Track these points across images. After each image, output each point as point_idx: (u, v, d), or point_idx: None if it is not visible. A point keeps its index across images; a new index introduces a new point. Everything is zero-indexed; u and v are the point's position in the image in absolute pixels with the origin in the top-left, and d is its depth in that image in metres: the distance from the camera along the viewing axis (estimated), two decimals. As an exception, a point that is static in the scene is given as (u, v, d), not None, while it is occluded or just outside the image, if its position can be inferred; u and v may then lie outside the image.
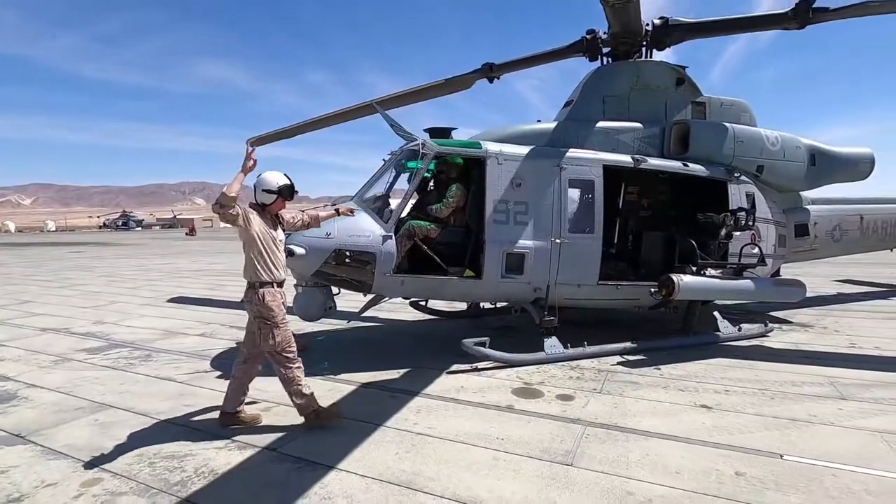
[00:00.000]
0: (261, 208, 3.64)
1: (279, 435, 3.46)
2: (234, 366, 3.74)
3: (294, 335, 5.69)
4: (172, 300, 9.50)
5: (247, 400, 3.77)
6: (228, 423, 3.59)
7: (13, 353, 5.75)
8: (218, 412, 3.67)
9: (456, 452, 3.17)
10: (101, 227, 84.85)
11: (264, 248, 3.51)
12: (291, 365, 3.55)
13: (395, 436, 3.42)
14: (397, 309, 7.50)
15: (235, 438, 3.40)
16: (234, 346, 5.90)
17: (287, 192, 3.68)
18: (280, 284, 3.61)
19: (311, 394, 3.58)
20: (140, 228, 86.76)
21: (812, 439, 3.27)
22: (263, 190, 3.62)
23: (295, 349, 3.63)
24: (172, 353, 5.67)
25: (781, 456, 3.05)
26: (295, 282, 5.29)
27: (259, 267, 3.50)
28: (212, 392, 4.31)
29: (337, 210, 4.50)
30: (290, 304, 4.16)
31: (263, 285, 3.49)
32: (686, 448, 3.17)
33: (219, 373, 4.88)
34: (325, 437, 3.42)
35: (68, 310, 8.61)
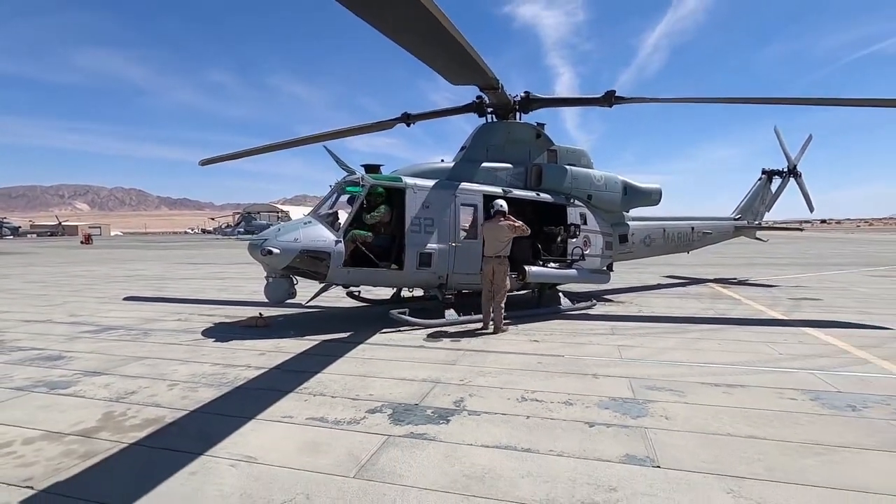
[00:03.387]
0: (497, 217, 7.16)
1: (281, 361, 5.56)
2: (484, 299, 7.15)
3: (260, 315, 7.74)
4: (128, 299, 10.72)
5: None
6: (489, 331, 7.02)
7: (22, 336, 7.07)
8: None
9: (389, 365, 5.48)
10: (-35, 234, 74.88)
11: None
12: (503, 301, 7.05)
13: (352, 361, 5.67)
14: (336, 301, 9.63)
15: (251, 364, 5.44)
16: (213, 325, 7.71)
17: (499, 214, 7.21)
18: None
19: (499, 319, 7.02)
20: (13, 237, 77.72)
21: (582, 348, 6.05)
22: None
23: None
24: (164, 331, 7.34)
25: (563, 356, 5.76)
26: (266, 273, 7.30)
27: (506, 251, 7.11)
28: (215, 350, 6.20)
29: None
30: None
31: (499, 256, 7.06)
32: (517, 356, 5.78)
33: (213, 339, 6.73)
34: (310, 362, 5.57)
35: (31, 308, 9.60)
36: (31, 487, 2.90)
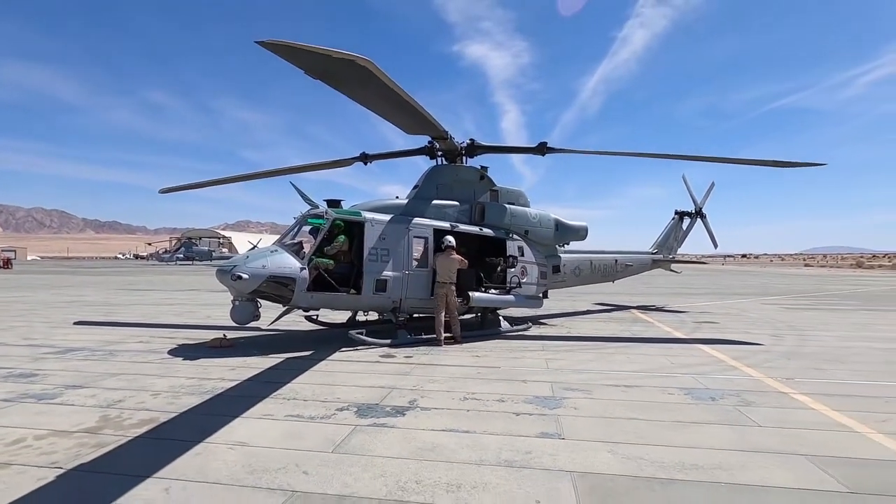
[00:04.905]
0: (448, 251, 8.49)
1: (252, 374, 6.22)
2: (439, 316, 8.45)
3: (225, 336, 8.29)
4: (79, 323, 10.74)
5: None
6: (447, 342, 8.41)
7: (-17, 357, 7.22)
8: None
9: (350, 376, 6.29)
10: None
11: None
12: (456, 316, 8.62)
13: (317, 373, 6.42)
14: (295, 325, 10.25)
15: (224, 377, 6.07)
16: (177, 346, 8.14)
17: (449, 248, 8.59)
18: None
19: (456, 331, 8.57)
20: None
21: (516, 361, 7.12)
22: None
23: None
24: (130, 352, 7.71)
25: (500, 367, 6.80)
26: (232, 297, 7.90)
27: (454, 278, 8.52)
28: (187, 366, 6.74)
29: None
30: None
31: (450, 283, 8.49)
32: (461, 368, 6.76)
33: (181, 357, 7.23)
34: (279, 374, 6.27)
35: (-24, 332, 9.49)
36: (61, 468, 3.51)
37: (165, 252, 67.10)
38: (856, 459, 3.76)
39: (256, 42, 3.81)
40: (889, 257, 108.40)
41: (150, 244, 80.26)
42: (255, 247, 8.83)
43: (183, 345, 8.30)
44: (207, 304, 15.01)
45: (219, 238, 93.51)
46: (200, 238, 79.96)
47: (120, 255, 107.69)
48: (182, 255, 62.09)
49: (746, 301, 17.50)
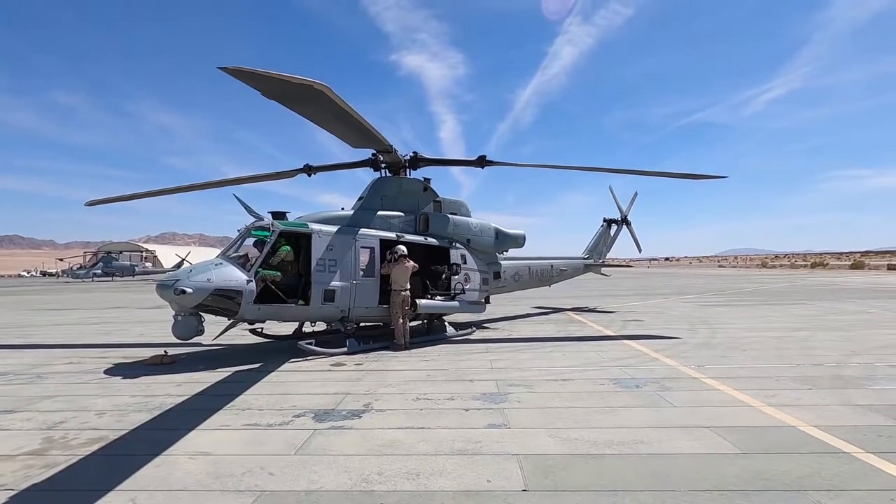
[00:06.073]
0: (402, 260, 8.81)
1: (201, 389, 6.17)
2: (403, 320, 8.84)
3: (166, 353, 8.12)
4: (-7, 347, 9.91)
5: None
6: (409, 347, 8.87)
7: None
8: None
9: (303, 385, 6.41)
10: None
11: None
12: (408, 322, 9.02)
13: (268, 384, 6.48)
14: (238, 339, 10.07)
15: (171, 393, 5.99)
16: (113, 366, 7.81)
17: (403, 257, 9.01)
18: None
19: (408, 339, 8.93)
20: None
21: (463, 363, 7.54)
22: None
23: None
24: (60, 373, 7.31)
25: (448, 369, 7.18)
26: (174, 312, 7.72)
27: (409, 284, 8.88)
28: (128, 385, 6.55)
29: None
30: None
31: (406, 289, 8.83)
32: (411, 372, 7.07)
33: (120, 377, 6.98)
34: (229, 387, 6.27)
35: None
36: (11, 489, 3.45)
37: (80, 268, 61.57)
38: (748, 427, 4.49)
39: (220, 68, 3.96)
40: (789, 258, 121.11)
41: (61, 259, 72.98)
42: (183, 260, 8.70)
43: (119, 364, 7.97)
44: (140, 321, 14.24)
45: (141, 251, 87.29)
46: (121, 252, 74.17)
47: (25, 273, 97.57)
48: (100, 271, 57.30)
49: (668, 300, 19.12)
